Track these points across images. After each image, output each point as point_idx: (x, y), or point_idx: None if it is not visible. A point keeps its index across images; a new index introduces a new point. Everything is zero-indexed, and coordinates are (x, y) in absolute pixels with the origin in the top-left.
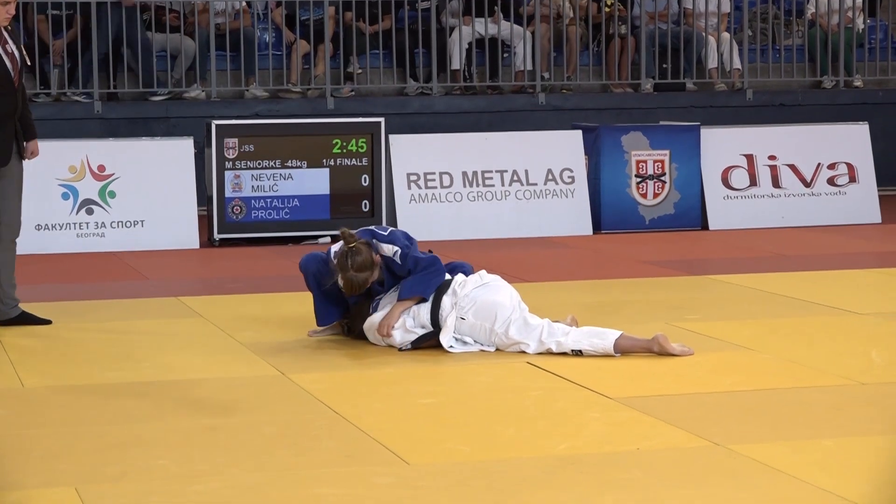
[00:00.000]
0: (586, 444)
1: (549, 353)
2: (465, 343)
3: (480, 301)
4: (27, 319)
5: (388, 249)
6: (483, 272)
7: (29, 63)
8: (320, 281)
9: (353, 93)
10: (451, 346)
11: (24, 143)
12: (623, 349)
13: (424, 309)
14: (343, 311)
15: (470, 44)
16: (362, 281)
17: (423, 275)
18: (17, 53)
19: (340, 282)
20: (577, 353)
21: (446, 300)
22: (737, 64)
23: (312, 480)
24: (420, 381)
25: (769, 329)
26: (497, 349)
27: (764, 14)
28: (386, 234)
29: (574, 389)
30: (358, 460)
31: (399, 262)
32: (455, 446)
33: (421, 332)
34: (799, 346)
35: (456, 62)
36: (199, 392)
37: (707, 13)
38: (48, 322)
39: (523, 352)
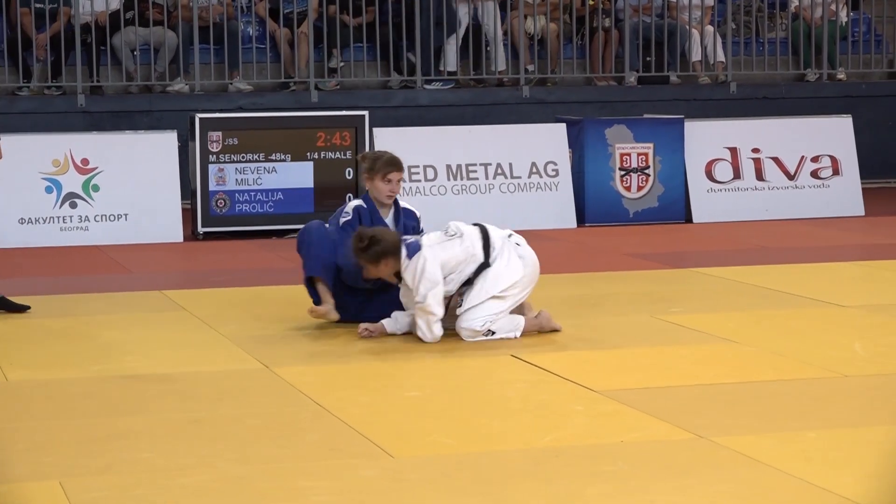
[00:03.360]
0: (571, 437)
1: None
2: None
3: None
4: (5, 305)
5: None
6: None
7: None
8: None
9: (338, 86)
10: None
11: None
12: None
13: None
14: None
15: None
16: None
17: None
18: None
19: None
20: (490, 333)
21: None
22: (720, 57)
23: (297, 473)
24: (405, 375)
25: (753, 321)
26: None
27: (748, 7)
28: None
29: (558, 382)
30: (342, 453)
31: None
32: (440, 439)
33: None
34: (782, 338)
35: (451, 64)
36: (184, 385)
37: (691, 6)
38: (27, 308)
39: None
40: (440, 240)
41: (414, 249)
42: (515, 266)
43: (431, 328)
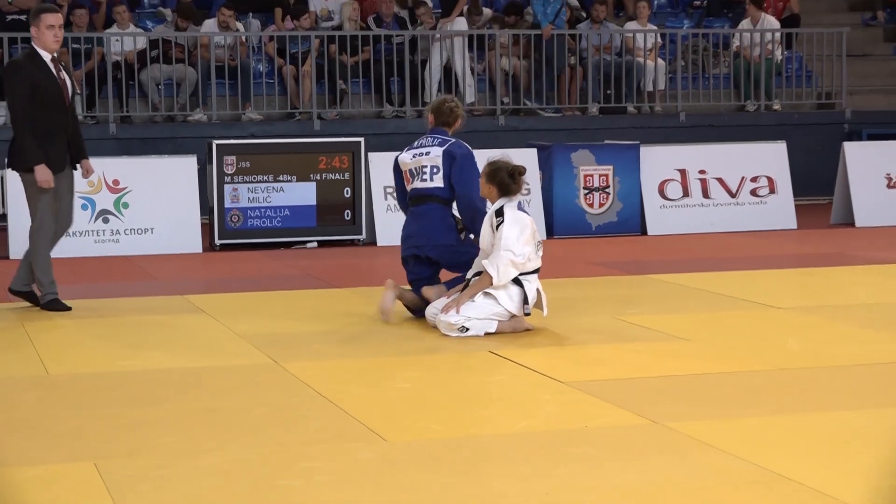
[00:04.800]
0: (541, 423)
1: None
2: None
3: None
4: (30, 297)
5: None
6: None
7: (78, 91)
8: None
9: (338, 116)
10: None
11: (80, 161)
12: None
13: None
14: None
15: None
16: None
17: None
18: (68, 81)
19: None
20: (464, 330)
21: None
22: (660, 86)
23: (302, 456)
24: (397, 369)
25: (701, 321)
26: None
27: (695, 47)
28: None
29: (531, 375)
30: (342, 438)
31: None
32: (428, 425)
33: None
34: (726, 336)
35: (435, 94)
36: (202, 378)
37: (645, 45)
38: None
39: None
40: (535, 239)
41: (522, 208)
42: (516, 304)
43: (505, 270)
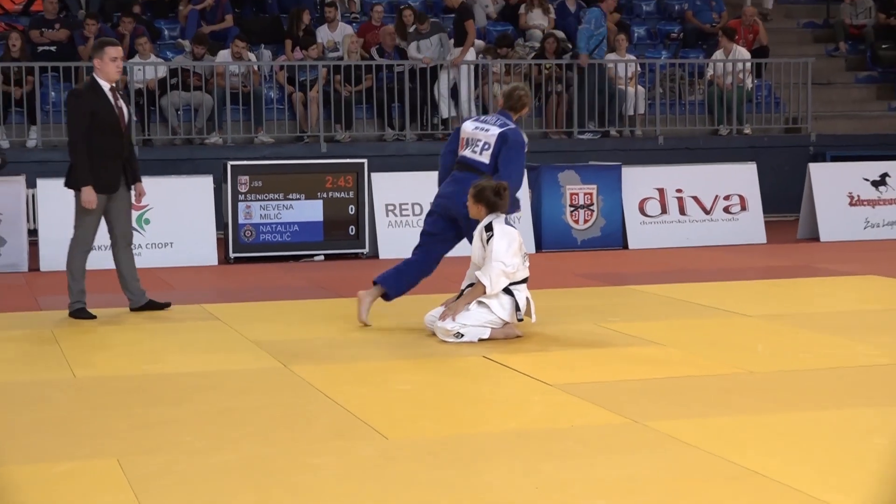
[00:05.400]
0: (531, 422)
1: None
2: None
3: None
4: (153, 305)
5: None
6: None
7: (135, 119)
8: None
9: (350, 139)
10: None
11: (134, 185)
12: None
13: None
14: None
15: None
16: None
17: None
18: (125, 109)
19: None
20: (459, 336)
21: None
22: (641, 110)
23: (309, 453)
24: (398, 372)
25: (677, 328)
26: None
27: (672, 76)
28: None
29: (521, 378)
30: (346, 436)
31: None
32: (426, 424)
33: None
34: (700, 341)
35: (444, 112)
36: (216, 381)
37: (626, 74)
38: (168, 305)
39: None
40: (521, 251)
41: (510, 223)
42: (508, 312)
43: (498, 279)
